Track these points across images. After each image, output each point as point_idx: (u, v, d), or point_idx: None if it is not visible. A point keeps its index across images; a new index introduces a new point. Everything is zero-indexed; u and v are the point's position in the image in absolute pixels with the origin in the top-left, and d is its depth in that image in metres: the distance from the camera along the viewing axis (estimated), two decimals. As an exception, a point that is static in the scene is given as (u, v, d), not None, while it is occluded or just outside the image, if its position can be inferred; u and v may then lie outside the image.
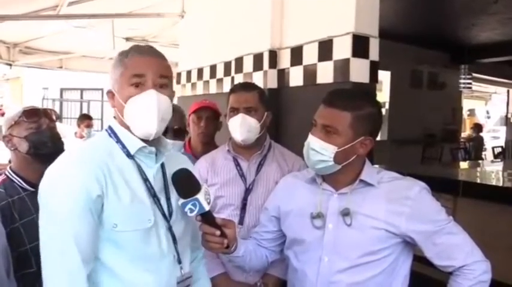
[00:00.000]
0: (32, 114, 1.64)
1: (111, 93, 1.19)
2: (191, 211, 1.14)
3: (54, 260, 1.04)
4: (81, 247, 1.03)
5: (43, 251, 1.05)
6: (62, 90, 14.06)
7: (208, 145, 2.37)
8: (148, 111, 1.11)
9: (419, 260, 1.40)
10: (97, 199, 1.05)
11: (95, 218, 1.05)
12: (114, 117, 1.21)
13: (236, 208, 1.84)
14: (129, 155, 1.15)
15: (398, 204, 1.32)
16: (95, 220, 1.06)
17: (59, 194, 1.04)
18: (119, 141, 1.17)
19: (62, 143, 1.68)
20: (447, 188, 3.23)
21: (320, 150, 1.33)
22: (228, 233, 1.26)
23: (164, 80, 1.16)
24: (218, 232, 1.23)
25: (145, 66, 1.13)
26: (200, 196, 1.13)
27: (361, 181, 1.37)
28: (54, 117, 1.71)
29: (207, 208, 1.15)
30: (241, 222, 1.82)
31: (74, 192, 1.03)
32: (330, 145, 1.32)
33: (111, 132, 1.19)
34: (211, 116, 2.37)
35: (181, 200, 1.15)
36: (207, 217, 1.19)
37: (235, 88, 1.94)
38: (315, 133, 1.36)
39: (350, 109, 1.32)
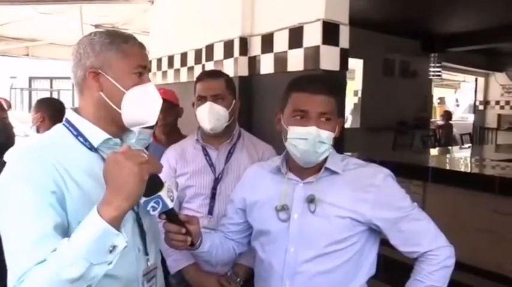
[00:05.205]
0: None
1: (94, 74, 1.09)
2: (154, 209, 1.08)
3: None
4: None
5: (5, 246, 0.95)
6: (30, 79, 13.61)
7: (171, 134, 2.36)
8: (155, 102, 1.16)
9: (386, 244, 1.41)
10: (53, 196, 0.98)
11: (58, 211, 0.97)
12: (74, 109, 1.14)
13: (206, 197, 1.82)
14: (92, 148, 1.11)
15: (363, 191, 1.32)
16: (58, 213, 0.97)
17: (17, 188, 0.96)
18: (79, 134, 1.11)
19: (13, 134, 1.65)
20: (417, 175, 3.29)
21: (326, 140, 1.30)
22: (191, 229, 1.23)
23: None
24: (184, 230, 1.20)
25: (146, 59, 1.16)
26: (163, 193, 1.07)
27: (326, 169, 1.36)
28: (5, 107, 1.66)
29: (170, 205, 1.10)
30: (210, 212, 1.80)
31: (32, 185, 0.96)
32: (331, 133, 1.31)
33: (69, 125, 1.13)
34: (168, 107, 2.31)
35: (144, 198, 1.07)
36: (170, 215, 1.15)
37: (202, 76, 1.90)
38: (314, 123, 1.28)
39: (333, 94, 1.33)
